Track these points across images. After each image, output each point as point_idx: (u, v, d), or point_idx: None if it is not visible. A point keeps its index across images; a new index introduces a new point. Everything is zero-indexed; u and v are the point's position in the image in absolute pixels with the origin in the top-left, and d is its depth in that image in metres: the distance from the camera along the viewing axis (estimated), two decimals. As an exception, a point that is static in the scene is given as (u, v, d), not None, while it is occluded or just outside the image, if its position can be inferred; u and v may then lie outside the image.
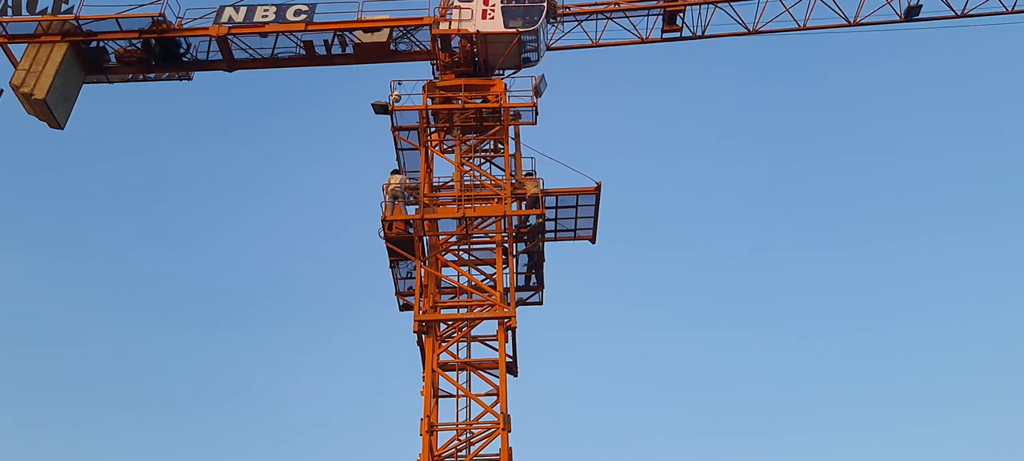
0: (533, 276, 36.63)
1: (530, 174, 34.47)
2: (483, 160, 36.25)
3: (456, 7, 36.32)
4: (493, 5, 36.10)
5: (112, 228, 78.39)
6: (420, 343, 33.71)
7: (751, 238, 76.95)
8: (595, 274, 75.80)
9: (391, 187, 34.91)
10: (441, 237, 34.74)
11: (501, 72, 37.32)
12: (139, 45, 37.21)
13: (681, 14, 39.00)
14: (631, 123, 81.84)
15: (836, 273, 76.90)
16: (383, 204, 34.63)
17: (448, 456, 32.42)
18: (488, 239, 35.14)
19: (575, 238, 37.32)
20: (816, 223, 78.94)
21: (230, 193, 79.41)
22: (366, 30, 36.31)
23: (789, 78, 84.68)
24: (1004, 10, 39.52)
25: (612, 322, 73.29)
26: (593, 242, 37.27)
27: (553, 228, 37.01)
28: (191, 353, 74.16)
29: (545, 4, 36.22)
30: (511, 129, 36.57)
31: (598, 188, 35.58)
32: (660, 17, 39.04)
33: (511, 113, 36.16)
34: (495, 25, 35.76)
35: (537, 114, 35.96)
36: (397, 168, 36.23)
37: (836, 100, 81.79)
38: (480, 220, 34.85)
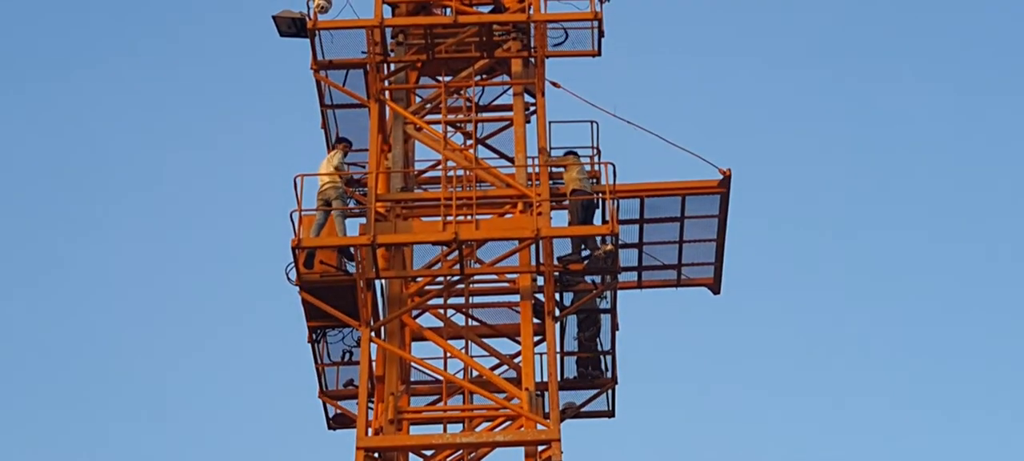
0: (595, 360, 26.16)
1: (572, 153, 25.48)
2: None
3: None
4: None
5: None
6: (372, 489, 26.02)
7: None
8: (719, 352, 52.10)
9: (320, 183, 24.97)
10: (414, 281, 25.36)
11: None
12: None
13: None
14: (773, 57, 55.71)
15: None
16: (296, 216, 24.23)
17: None
18: (505, 284, 25.75)
19: (679, 284, 26.77)
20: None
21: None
22: None
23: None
24: None
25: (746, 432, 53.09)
26: (714, 291, 26.54)
27: (635, 263, 26.39)
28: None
29: None
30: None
31: (726, 181, 24.70)
32: None
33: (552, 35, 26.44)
34: None
35: (602, 36, 25.51)
36: (339, 142, 26.59)
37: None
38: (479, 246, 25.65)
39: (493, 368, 24.72)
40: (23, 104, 58.64)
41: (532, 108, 25.81)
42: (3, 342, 53.40)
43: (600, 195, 24.70)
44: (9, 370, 52.38)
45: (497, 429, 23.89)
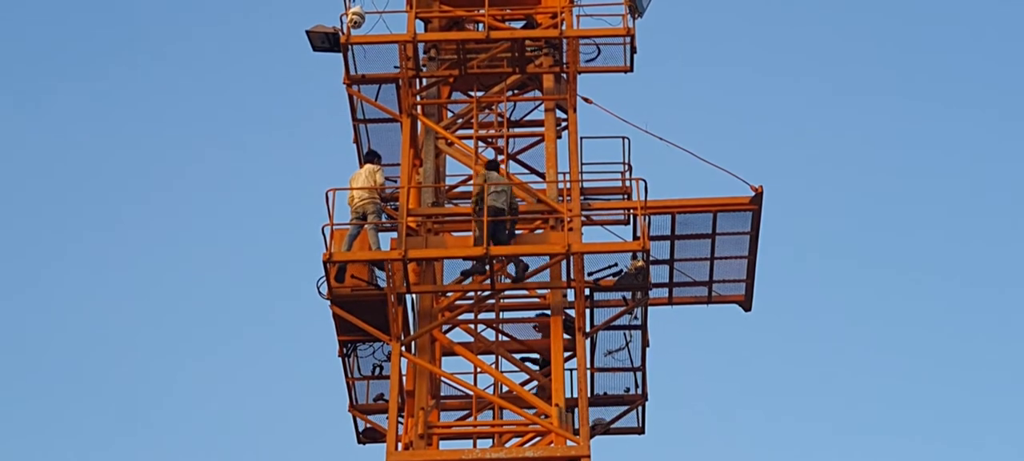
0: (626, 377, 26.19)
1: (492, 165, 25.26)
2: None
3: None
4: None
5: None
6: (401, 502, 25.24)
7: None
8: (750, 370, 51.23)
9: (353, 195, 24.43)
10: (444, 295, 25.30)
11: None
12: None
13: None
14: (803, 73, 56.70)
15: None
16: (328, 230, 23.93)
17: None
18: (535, 300, 25.95)
19: (710, 301, 26.74)
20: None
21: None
22: None
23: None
24: None
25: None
26: (746, 308, 26.48)
27: (666, 279, 26.33)
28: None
29: None
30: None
31: (757, 198, 24.65)
32: None
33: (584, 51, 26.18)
34: None
35: (634, 52, 25.37)
36: (370, 157, 26.11)
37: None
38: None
39: (523, 384, 24.51)
40: (55, 110, 59.16)
41: (564, 124, 25.49)
42: (37, 347, 53.87)
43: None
44: (41, 375, 52.76)
45: (527, 445, 23.89)
